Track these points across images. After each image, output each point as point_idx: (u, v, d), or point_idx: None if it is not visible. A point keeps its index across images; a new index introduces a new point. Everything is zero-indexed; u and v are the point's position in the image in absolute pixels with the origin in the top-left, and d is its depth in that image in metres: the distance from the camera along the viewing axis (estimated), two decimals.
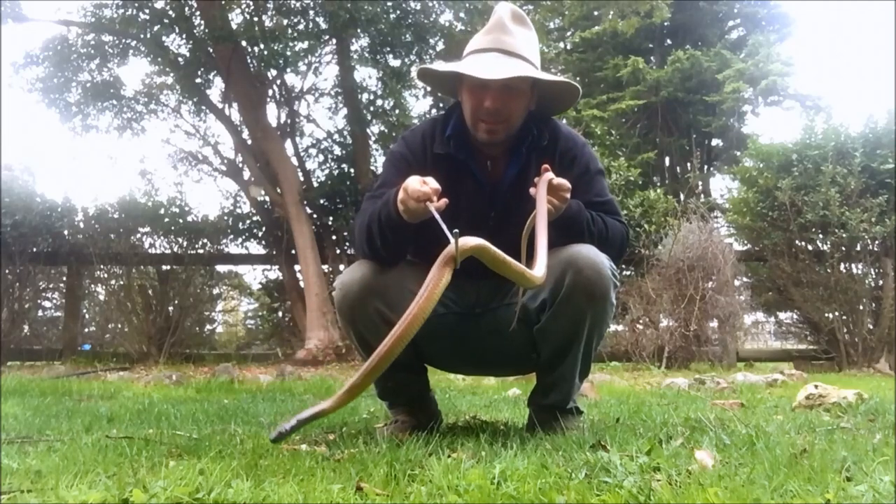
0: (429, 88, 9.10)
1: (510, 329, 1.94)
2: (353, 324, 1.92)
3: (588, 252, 1.83)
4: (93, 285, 7.98)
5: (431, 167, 1.95)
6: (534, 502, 1.15)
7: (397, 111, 8.43)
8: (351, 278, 1.90)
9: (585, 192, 1.97)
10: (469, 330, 2.02)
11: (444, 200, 1.70)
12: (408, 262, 2.01)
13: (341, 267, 8.18)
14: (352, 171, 8.63)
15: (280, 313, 9.58)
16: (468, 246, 1.55)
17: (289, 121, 9.18)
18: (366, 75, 8.90)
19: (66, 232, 7.35)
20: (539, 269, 1.68)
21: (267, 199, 8.51)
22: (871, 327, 6.57)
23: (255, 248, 8.92)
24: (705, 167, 16.31)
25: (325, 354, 7.00)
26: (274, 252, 8.40)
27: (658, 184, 13.42)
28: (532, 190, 1.80)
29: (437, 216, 1.63)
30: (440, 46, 8.46)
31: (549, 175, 1.80)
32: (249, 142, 8.63)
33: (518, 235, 1.85)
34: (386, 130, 8.63)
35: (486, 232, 1.79)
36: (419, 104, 9.85)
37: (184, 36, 8.26)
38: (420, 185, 1.71)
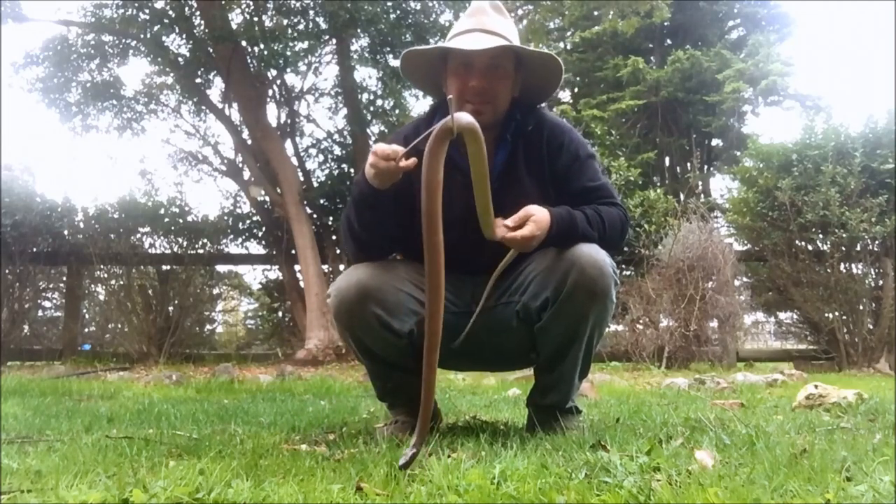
0: None
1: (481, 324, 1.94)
2: (350, 329, 1.90)
3: (590, 250, 1.83)
4: (93, 285, 7.97)
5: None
6: (534, 502, 1.15)
7: (397, 111, 8.43)
8: (347, 283, 1.88)
9: (577, 179, 1.96)
10: (469, 330, 2.01)
11: (414, 160, 1.68)
12: (402, 263, 2.01)
13: (341, 267, 8.18)
14: (352, 171, 8.64)
15: (280, 313, 9.59)
16: (464, 121, 1.47)
17: (289, 121, 9.18)
18: (366, 75, 8.91)
19: (66, 232, 7.36)
20: (499, 229, 1.75)
21: (267, 199, 8.52)
22: (871, 327, 6.57)
23: (255, 248, 8.95)
24: (705, 167, 16.31)
25: (325, 354, 7.00)
26: (274, 252, 8.40)
27: (658, 184, 13.41)
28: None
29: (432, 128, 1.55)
30: None
31: (502, 227, 1.78)
32: (249, 142, 8.64)
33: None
34: (386, 130, 8.63)
35: (478, 227, 1.81)
36: (419, 104, 9.86)
37: (184, 36, 8.26)
38: (386, 147, 1.72)
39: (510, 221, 1.76)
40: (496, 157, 1.97)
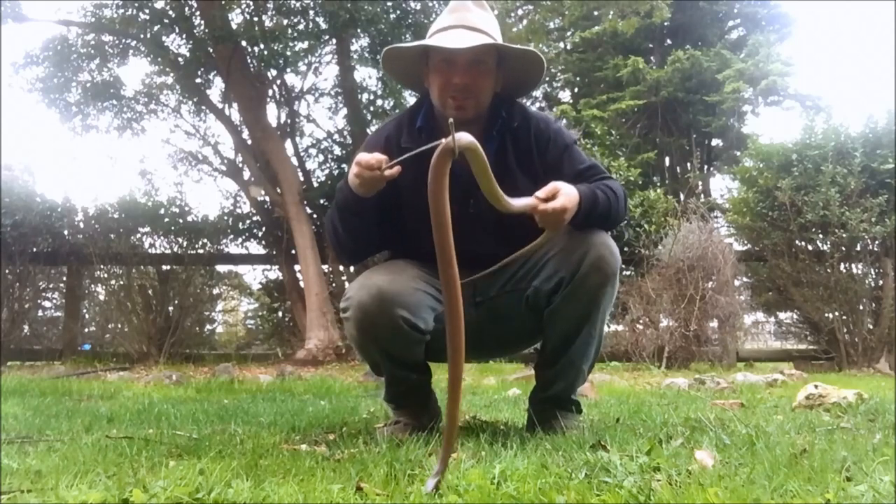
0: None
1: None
2: (375, 338, 1.87)
3: (598, 233, 1.90)
4: (93, 285, 7.97)
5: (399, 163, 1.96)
6: (534, 502, 1.15)
7: (397, 111, 8.42)
8: (367, 294, 1.84)
9: (570, 165, 2.00)
10: (472, 319, 2.03)
11: (398, 168, 1.71)
12: (406, 262, 2.01)
13: (341, 267, 8.17)
14: None
15: (280, 313, 9.59)
16: (465, 141, 1.44)
17: (289, 121, 9.19)
18: (366, 75, 8.92)
19: (66, 232, 7.35)
20: (515, 202, 1.68)
21: (267, 199, 8.52)
22: (871, 327, 6.56)
23: (255, 248, 8.95)
24: (705, 167, 16.31)
25: (325, 354, 7.00)
26: (274, 252, 8.40)
27: (658, 184, 13.39)
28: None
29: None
30: None
31: (531, 203, 1.74)
32: (249, 142, 8.64)
33: (500, 223, 1.87)
34: None
35: (468, 220, 1.84)
36: None
37: (184, 36, 8.26)
38: (370, 156, 1.74)
39: (541, 193, 1.74)
40: (485, 150, 1.98)
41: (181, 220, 7.50)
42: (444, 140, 1.37)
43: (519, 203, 1.69)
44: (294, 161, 8.72)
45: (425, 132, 1.97)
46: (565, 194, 1.76)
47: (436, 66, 1.93)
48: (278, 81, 9.03)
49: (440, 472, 1.35)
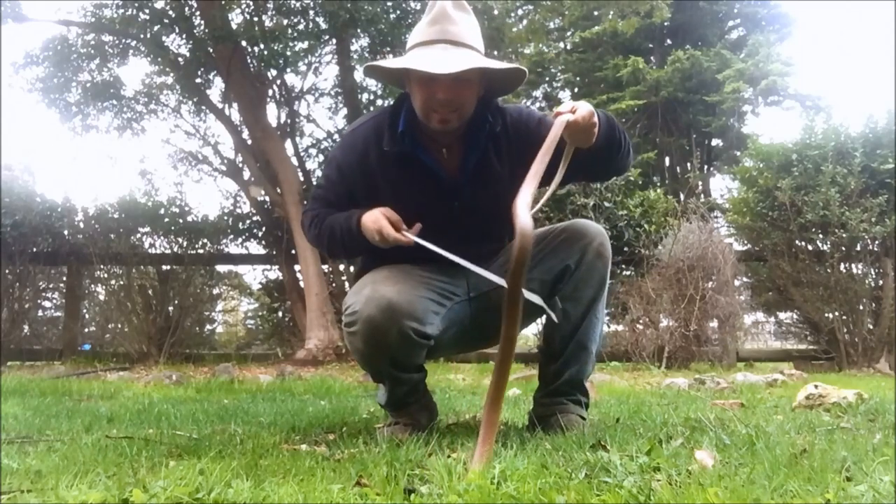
0: None
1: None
2: (385, 352, 1.86)
3: (592, 224, 2.06)
4: (93, 285, 7.97)
5: (380, 167, 1.96)
6: (534, 502, 1.15)
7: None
8: (376, 307, 1.82)
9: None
10: (468, 314, 2.06)
11: (418, 225, 1.86)
12: (405, 268, 1.99)
13: (341, 267, 8.17)
14: None
15: (280, 313, 9.58)
16: (527, 226, 1.47)
17: (289, 121, 9.19)
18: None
19: (66, 232, 7.34)
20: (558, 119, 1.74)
21: (267, 199, 8.52)
22: (871, 327, 6.56)
23: (255, 248, 8.94)
24: (705, 167, 16.32)
25: (325, 354, 7.00)
26: (274, 252, 8.40)
27: (658, 184, 13.41)
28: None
29: (455, 259, 1.82)
30: None
31: (566, 118, 1.74)
32: (249, 142, 8.64)
33: (484, 220, 1.97)
34: None
35: (452, 223, 1.91)
36: None
37: (184, 36, 8.26)
38: (391, 230, 1.84)
39: (560, 108, 1.79)
40: (469, 155, 1.99)
41: (181, 220, 7.49)
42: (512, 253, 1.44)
43: (545, 146, 1.68)
44: (294, 161, 8.71)
45: (408, 137, 1.96)
46: (581, 104, 1.79)
47: (418, 81, 1.88)
48: (278, 81, 9.03)
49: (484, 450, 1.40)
